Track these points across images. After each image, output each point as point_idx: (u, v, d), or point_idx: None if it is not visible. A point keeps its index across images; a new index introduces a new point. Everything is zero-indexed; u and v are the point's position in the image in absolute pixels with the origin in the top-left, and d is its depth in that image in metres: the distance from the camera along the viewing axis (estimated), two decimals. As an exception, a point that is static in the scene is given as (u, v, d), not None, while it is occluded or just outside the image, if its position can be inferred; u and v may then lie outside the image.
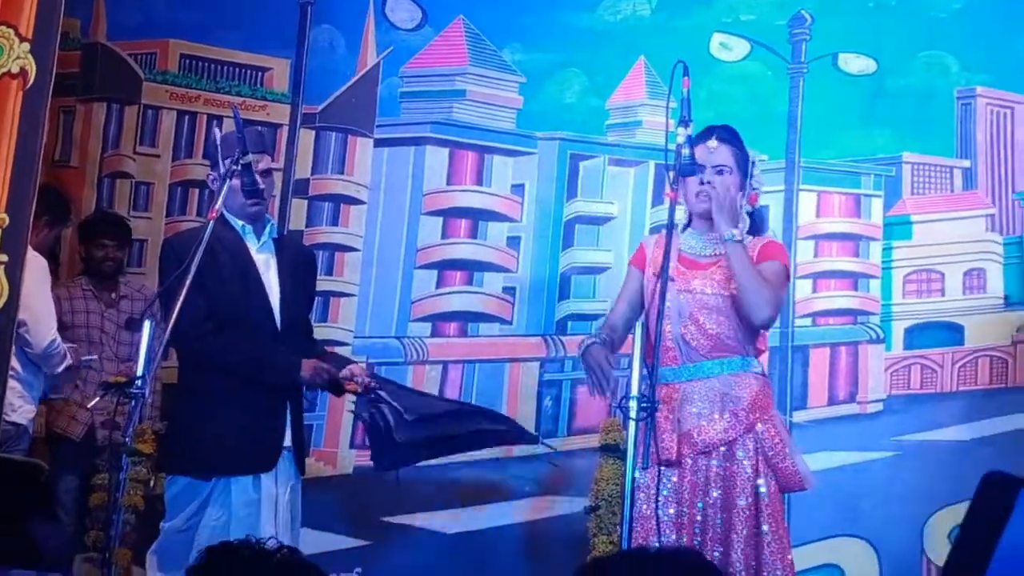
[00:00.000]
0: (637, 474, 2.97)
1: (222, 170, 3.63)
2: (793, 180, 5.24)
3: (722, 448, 3.36)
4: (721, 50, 5.38)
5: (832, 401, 5.13)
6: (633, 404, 2.92)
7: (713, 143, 3.50)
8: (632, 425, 2.93)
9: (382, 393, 3.64)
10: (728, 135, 3.56)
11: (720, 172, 3.48)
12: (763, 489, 3.33)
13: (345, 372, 3.70)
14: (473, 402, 5.03)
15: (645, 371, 3.01)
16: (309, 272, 3.95)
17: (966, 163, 5.17)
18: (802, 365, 5.14)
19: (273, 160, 4.07)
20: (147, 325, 3.22)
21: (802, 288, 5.19)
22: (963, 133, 5.17)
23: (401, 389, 3.82)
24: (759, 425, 3.37)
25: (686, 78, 3.25)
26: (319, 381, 3.68)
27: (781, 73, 5.33)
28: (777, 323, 4.89)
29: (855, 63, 5.28)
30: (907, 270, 5.17)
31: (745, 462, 3.34)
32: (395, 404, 3.62)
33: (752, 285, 3.32)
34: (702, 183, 3.43)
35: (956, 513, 4.86)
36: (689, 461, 3.36)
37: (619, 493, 3.36)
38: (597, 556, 3.10)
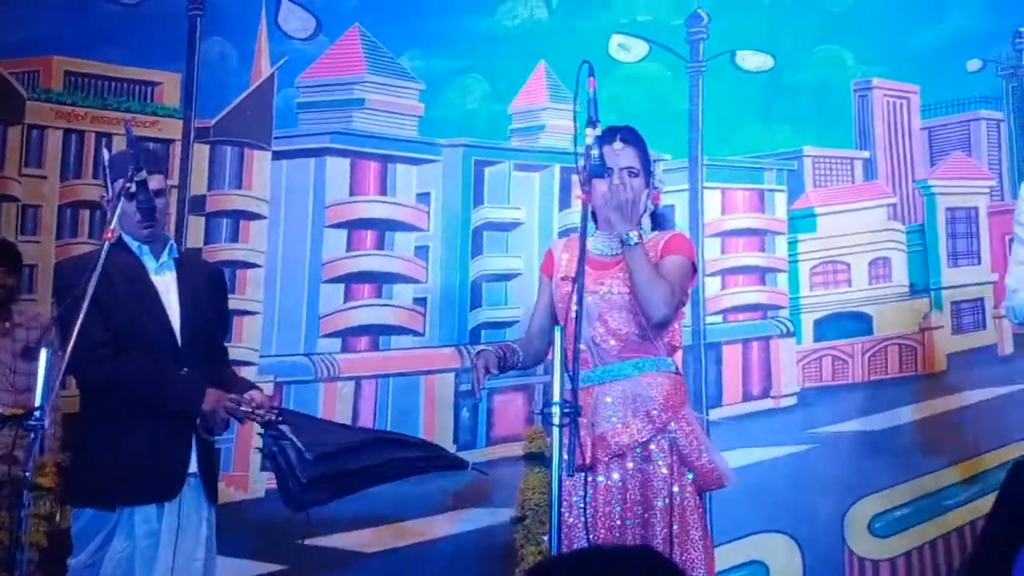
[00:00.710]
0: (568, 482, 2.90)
1: (109, 194, 3.50)
2: (696, 178, 5.26)
3: (637, 450, 3.31)
4: (620, 51, 5.37)
5: (747, 397, 5.15)
6: (556, 410, 2.85)
7: (618, 145, 3.46)
8: (556, 431, 2.86)
9: (284, 428, 3.47)
10: (631, 136, 3.53)
11: (631, 174, 3.45)
12: (675, 489, 3.29)
13: (245, 399, 3.53)
14: (389, 418, 4.93)
15: (566, 376, 2.94)
16: (215, 291, 3.79)
17: (865, 154, 5.24)
18: (715, 362, 5.15)
19: (167, 178, 3.91)
20: (43, 354, 3.06)
21: (711, 285, 5.20)
22: (861, 124, 5.24)
23: (306, 422, 3.62)
24: (672, 424, 3.32)
25: (592, 78, 3.20)
26: (220, 416, 3.50)
27: (680, 72, 5.35)
28: (689, 321, 4.92)
29: (752, 60, 5.32)
30: (813, 262, 5.22)
31: (660, 463, 3.30)
32: (296, 441, 3.45)
33: (647, 285, 3.29)
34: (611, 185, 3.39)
35: (874, 503, 4.94)
36: (604, 465, 3.30)
37: (546, 502, 3.29)
38: (547, 560, 3.00)
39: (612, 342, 3.37)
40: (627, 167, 3.43)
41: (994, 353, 5.04)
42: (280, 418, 3.50)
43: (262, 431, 3.54)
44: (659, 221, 3.57)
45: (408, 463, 3.64)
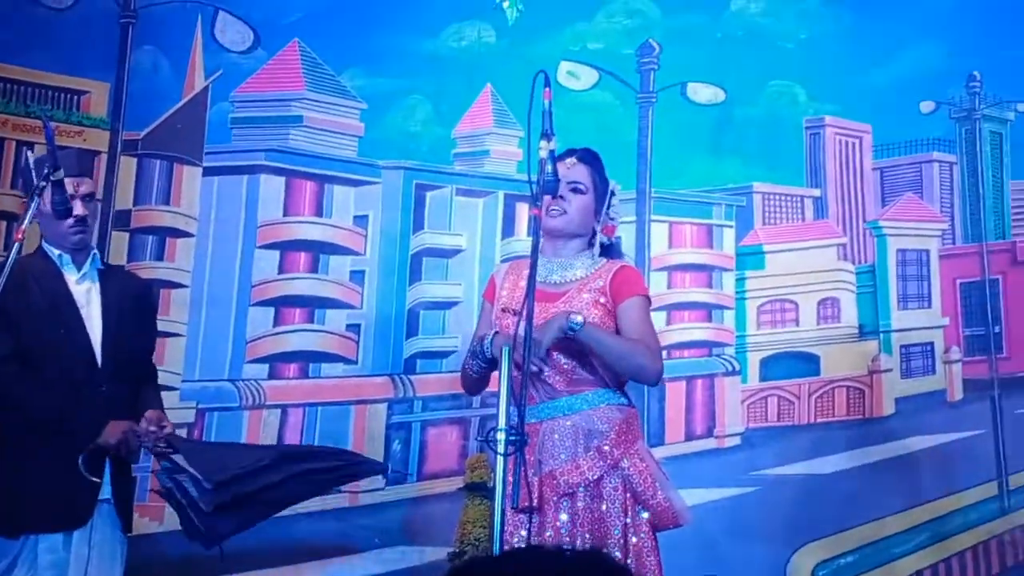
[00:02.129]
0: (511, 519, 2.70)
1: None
2: (644, 210, 5.14)
3: (588, 488, 3.12)
4: (569, 78, 5.25)
5: (689, 436, 5.01)
6: (501, 437, 2.65)
7: (571, 161, 3.33)
8: (500, 460, 2.66)
9: (178, 459, 3.23)
10: (588, 157, 3.41)
11: (575, 190, 3.30)
12: (629, 529, 3.10)
13: (141, 424, 3.31)
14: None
15: (513, 403, 2.74)
16: (142, 306, 3.60)
17: (816, 192, 5.16)
18: (658, 400, 5.01)
19: (95, 186, 3.71)
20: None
21: (656, 320, 4.94)
22: (812, 162, 5.18)
23: (202, 448, 3.46)
24: (625, 460, 3.15)
25: (547, 89, 3.03)
26: (126, 450, 3.29)
27: (630, 102, 5.25)
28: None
29: (704, 92, 5.23)
30: (761, 300, 5.11)
31: (613, 502, 3.12)
32: (193, 471, 3.20)
33: (623, 359, 3.16)
34: (554, 198, 3.22)
35: (818, 549, 4.79)
36: (552, 505, 3.10)
37: (487, 536, 3.08)
38: (479, 557, 2.76)
39: (557, 376, 3.20)
40: (573, 182, 3.29)
41: (943, 398, 4.96)
42: (170, 449, 3.26)
43: (157, 468, 3.31)
44: (607, 249, 3.42)
45: (322, 475, 3.39)
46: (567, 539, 3.08)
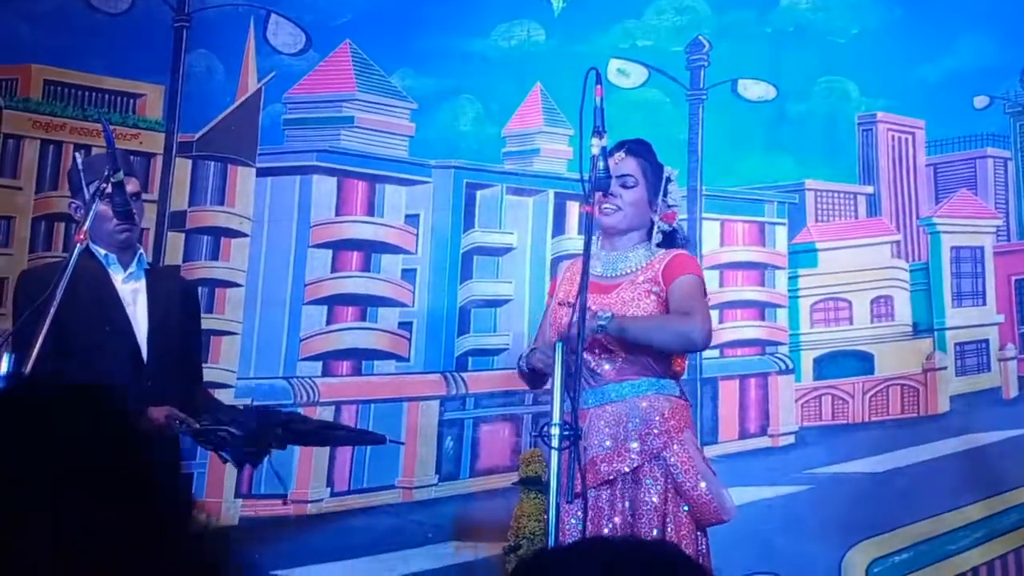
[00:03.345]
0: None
1: (87, 196, 3.31)
2: (695, 208, 5.11)
3: (628, 475, 3.12)
4: (618, 76, 5.24)
5: (743, 435, 4.97)
6: (555, 432, 2.67)
7: (620, 155, 3.33)
8: (554, 455, 2.67)
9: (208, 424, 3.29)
10: (638, 148, 3.39)
11: (625, 184, 3.29)
12: (668, 520, 3.09)
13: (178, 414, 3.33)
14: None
15: (566, 397, 2.76)
16: (188, 306, 3.62)
17: (869, 189, 5.11)
18: (711, 398, 4.98)
19: (143, 188, 3.75)
20: (5, 359, 2.86)
21: None
22: (865, 159, 5.11)
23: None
24: (667, 450, 3.13)
25: (599, 86, 3.05)
26: (173, 431, 3.29)
27: (680, 100, 5.23)
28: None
29: (754, 89, 5.19)
30: (814, 298, 5.07)
31: (652, 490, 3.11)
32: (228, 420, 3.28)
33: (661, 330, 3.16)
34: (605, 195, 3.23)
35: (873, 547, 4.75)
36: (593, 491, 3.10)
37: (542, 530, 3.10)
38: (545, 549, 2.77)
39: (606, 366, 3.22)
40: (623, 176, 3.28)
41: (998, 396, 4.89)
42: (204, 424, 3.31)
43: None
44: (669, 237, 3.40)
45: (335, 432, 3.57)
46: (607, 526, 3.09)
